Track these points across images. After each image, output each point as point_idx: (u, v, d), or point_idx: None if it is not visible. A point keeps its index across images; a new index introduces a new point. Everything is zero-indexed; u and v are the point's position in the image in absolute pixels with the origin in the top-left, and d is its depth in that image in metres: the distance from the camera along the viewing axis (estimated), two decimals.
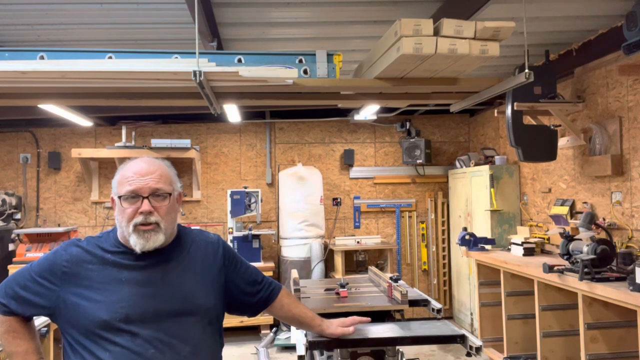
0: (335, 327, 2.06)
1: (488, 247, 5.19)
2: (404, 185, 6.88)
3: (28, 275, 1.66)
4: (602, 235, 3.87)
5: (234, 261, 1.86)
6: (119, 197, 1.65)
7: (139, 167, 1.67)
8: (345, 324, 2.09)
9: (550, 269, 3.67)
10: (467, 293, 6.09)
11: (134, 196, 1.63)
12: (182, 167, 6.42)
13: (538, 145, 4.44)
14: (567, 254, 3.74)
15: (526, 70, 2.83)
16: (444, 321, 2.45)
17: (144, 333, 1.57)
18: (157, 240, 1.63)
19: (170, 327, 1.61)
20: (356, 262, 6.30)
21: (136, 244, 1.61)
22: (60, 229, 5.87)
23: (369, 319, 2.15)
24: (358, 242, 6.23)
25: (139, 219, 1.61)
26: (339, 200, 6.44)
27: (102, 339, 1.56)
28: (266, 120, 6.67)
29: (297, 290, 3.06)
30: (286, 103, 3.82)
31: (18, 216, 6.25)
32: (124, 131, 6.09)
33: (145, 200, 1.63)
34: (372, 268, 3.72)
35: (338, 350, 2.35)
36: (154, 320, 1.59)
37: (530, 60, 4.56)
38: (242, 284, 1.87)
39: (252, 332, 6.09)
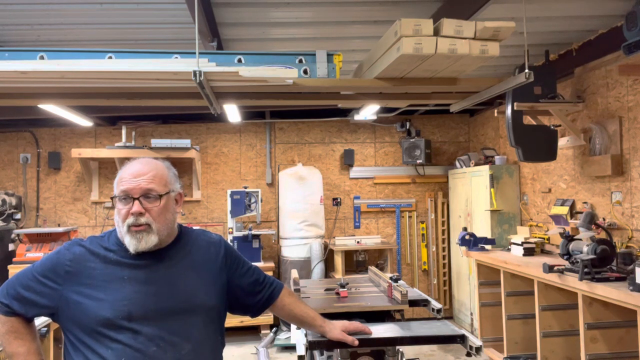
0: (338, 332, 2.05)
1: (488, 247, 5.19)
2: (404, 185, 6.88)
3: (31, 275, 1.67)
4: (602, 235, 3.87)
5: (235, 261, 1.87)
6: (114, 198, 1.67)
7: (134, 169, 1.68)
8: (349, 330, 2.08)
9: (550, 269, 3.67)
10: (467, 293, 6.08)
11: (126, 197, 1.65)
12: (182, 167, 6.42)
13: (538, 145, 4.44)
14: (567, 254, 3.74)
15: (526, 70, 2.82)
16: (444, 321, 2.45)
17: (146, 331, 1.59)
18: (150, 241, 1.64)
19: (172, 325, 1.62)
20: (356, 262, 6.30)
21: (129, 244, 1.64)
22: (60, 229, 5.87)
23: (372, 331, 2.16)
24: (358, 242, 6.23)
25: (130, 220, 1.63)
26: (339, 200, 6.45)
27: (104, 337, 1.58)
28: (266, 120, 6.67)
29: (297, 290, 3.07)
30: (286, 103, 3.82)
31: (18, 216, 6.25)
32: (124, 131, 6.09)
33: (136, 202, 1.64)
34: (372, 268, 3.72)
35: (338, 350, 2.36)
36: (156, 318, 1.61)
37: (530, 60, 4.55)
38: (244, 283, 1.88)
39: (252, 332, 6.09)
